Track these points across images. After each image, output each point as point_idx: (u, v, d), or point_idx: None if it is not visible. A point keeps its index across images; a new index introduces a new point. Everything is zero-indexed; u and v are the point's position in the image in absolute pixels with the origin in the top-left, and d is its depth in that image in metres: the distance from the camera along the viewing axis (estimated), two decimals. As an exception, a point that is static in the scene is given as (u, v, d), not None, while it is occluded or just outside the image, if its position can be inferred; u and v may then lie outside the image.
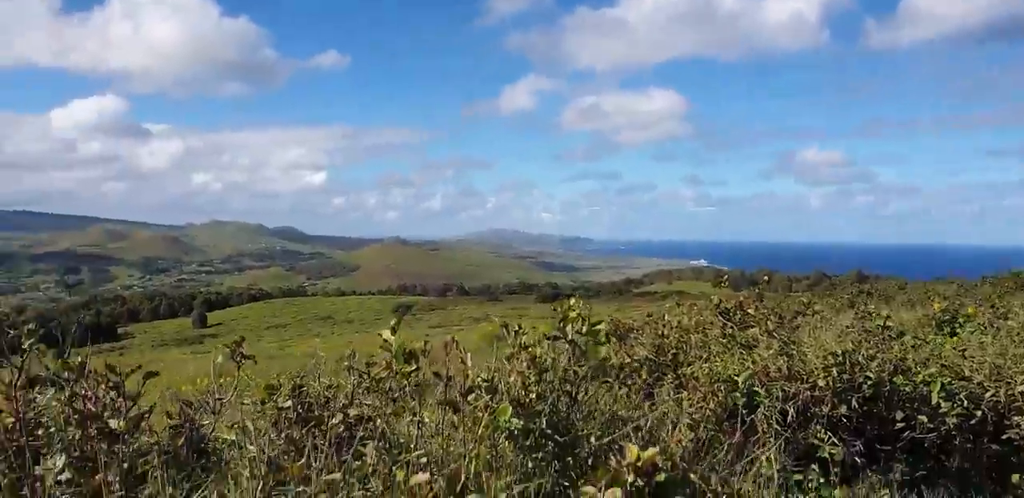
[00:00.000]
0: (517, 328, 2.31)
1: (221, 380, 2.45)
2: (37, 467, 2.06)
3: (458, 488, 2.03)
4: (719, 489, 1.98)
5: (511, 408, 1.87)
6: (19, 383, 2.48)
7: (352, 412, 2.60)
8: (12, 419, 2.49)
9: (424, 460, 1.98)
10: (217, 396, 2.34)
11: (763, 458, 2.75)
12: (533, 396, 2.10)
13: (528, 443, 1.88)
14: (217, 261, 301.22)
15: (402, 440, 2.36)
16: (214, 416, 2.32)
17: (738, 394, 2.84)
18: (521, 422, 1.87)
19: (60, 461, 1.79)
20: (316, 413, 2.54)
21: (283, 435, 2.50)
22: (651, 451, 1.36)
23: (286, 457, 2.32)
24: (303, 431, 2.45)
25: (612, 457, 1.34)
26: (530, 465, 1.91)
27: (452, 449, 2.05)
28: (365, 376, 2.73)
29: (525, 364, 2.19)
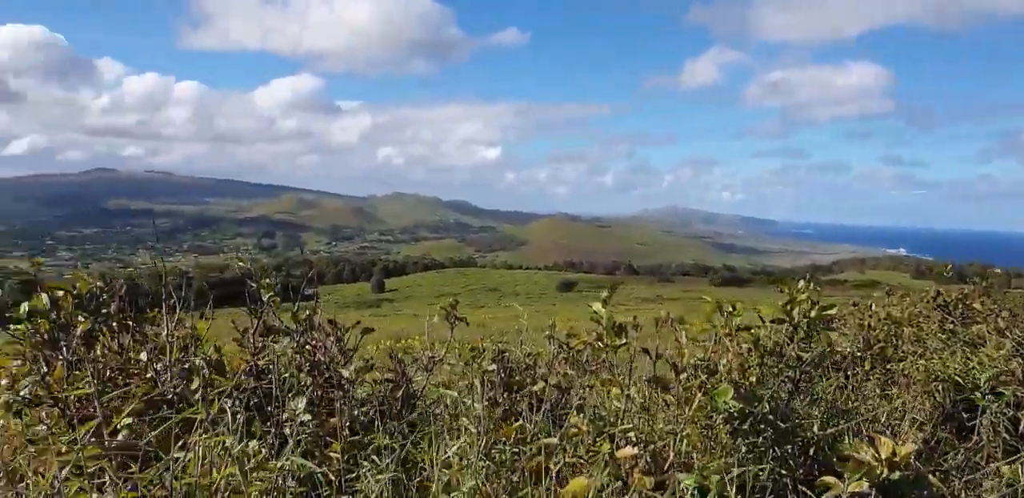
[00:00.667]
0: (731, 308, 2.24)
1: (433, 341, 2.62)
2: (273, 408, 2.33)
3: (666, 466, 2.04)
4: (961, 496, 1.82)
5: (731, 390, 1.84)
6: (257, 331, 2.81)
7: (552, 380, 2.69)
8: (247, 364, 2.85)
9: (631, 435, 2.00)
10: (430, 354, 2.51)
11: (1004, 469, 2.49)
12: (753, 379, 2.04)
13: (746, 427, 1.83)
14: (396, 231, 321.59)
15: (602, 413, 2.39)
16: (427, 373, 2.49)
17: (979, 395, 2.58)
18: (740, 405, 1.82)
19: (301, 404, 2.01)
20: (517, 378, 2.65)
21: (486, 397, 2.63)
22: (908, 447, 1.27)
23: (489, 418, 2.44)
24: (505, 395, 2.57)
25: (862, 449, 1.27)
26: (744, 450, 1.87)
27: (659, 427, 2.05)
28: (564, 347, 2.80)
29: (746, 346, 2.12)
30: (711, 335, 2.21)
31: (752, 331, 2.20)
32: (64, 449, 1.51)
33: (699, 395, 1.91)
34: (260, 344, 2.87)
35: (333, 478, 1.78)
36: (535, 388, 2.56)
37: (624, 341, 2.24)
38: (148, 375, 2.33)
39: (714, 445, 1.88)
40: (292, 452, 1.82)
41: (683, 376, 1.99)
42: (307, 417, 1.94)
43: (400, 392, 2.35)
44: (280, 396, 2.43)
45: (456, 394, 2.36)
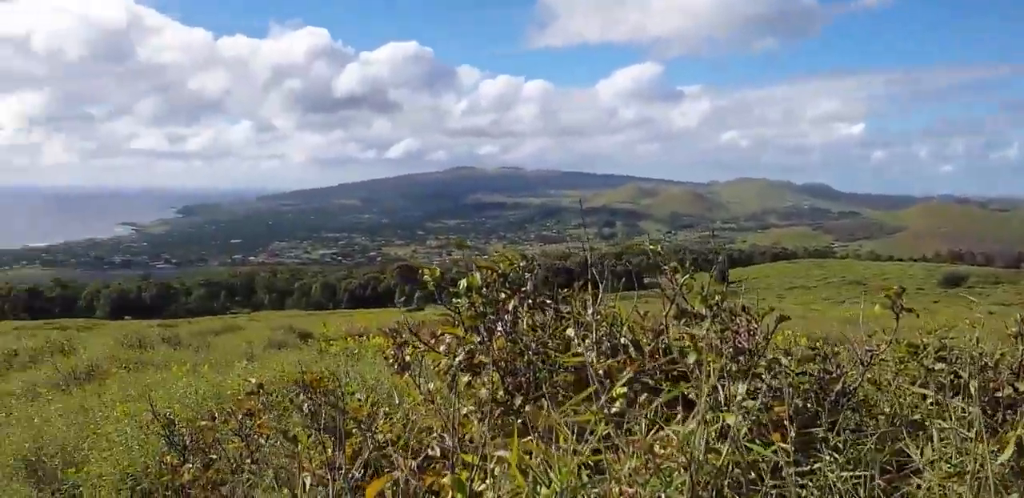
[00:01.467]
0: None
1: (872, 333, 2.43)
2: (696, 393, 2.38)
3: None
4: None
5: None
6: (669, 314, 2.90)
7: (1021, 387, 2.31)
8: (651, 346, 2.95)
9: None
10: (867, 348, 2.33)
11: None
12: None
13: None
14: (741, 218, 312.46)
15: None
16: (862, 367, 2.32)
17: None
18: None
19: (741, 389, 2.00)
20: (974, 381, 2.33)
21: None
22: None
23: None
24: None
25: None
26: None
27: None
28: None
29: None
30: None
31: None
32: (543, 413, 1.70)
33: None
34: (667, 326, 2.95)
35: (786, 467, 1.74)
36: (1001, 394, 2.23)
37: None
38: (579, 351, 2.54)
39: None
40: (736, 437, 1.82)
41: None
42: (750, 403, 1.93)
43: (837, 386, 2.22)
44: (697, 379, 2.46)
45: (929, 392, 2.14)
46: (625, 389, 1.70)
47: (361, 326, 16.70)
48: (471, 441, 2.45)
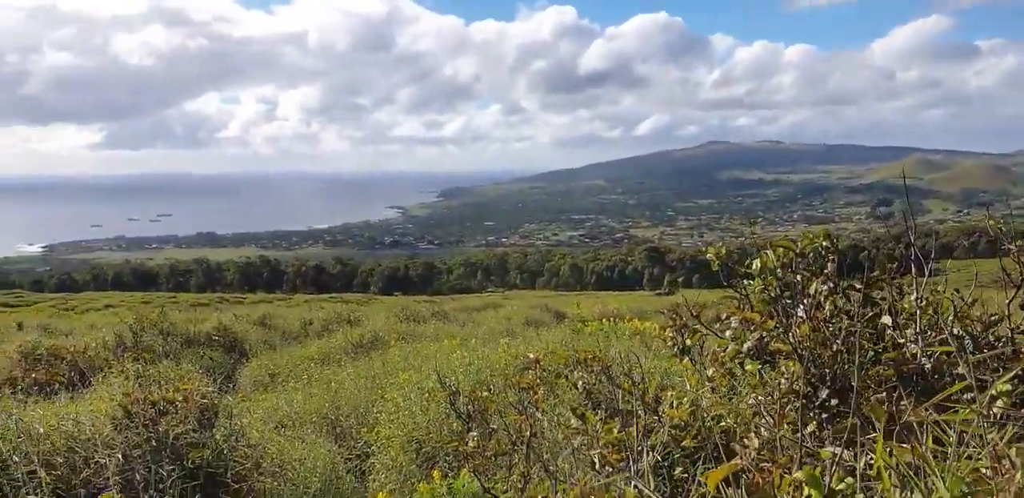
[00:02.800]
0: None
1: None
2: None
3: None
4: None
5: None
6: (1015, 301, 2.55)
7: None
8: (982, 339, 2.60)
9: None
10: None
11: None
12: None
13: None
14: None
15: None
16: None
17: None
18: None
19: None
20: None
21: None
22: None
23: None
24: None
25: None
26: None
27: None
28: None
29: None
30: None
31: None
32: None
33: None
34: (1009, 316, 2.59)
35: None
36: None
37: None
38: (899, 341, 2.32)
39: None
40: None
41: None
42: None
43: None
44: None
45: None
46: (1008, 386, 1.49)
47: (613, 308, 16.91)
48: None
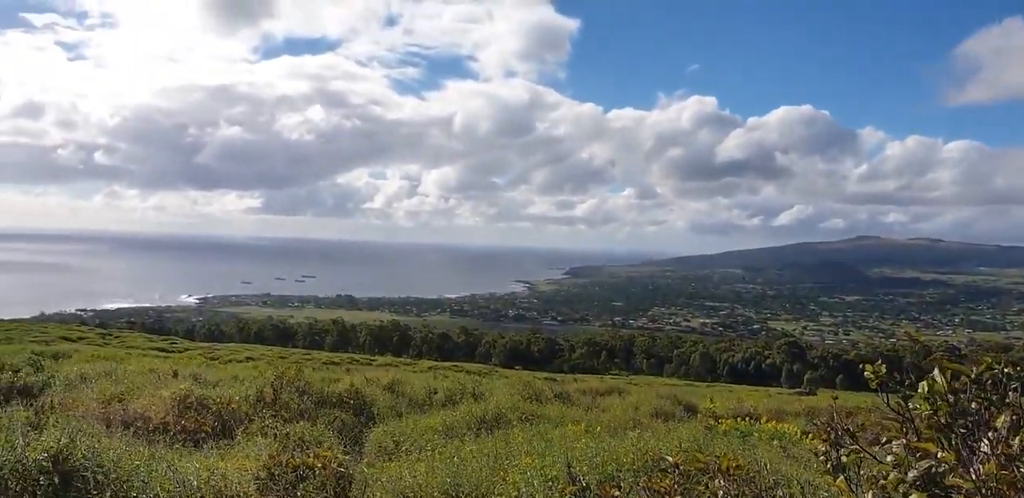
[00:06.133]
0: None
1: None
2: None
3: None
4: None
5: None
6: None
7: None
8: None
9: None
10: None
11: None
12: None
13: None
14: None
15: None
16: None
17: None
18: None
19: None
20: None
21: None
22: None
23: None
24: None
25: None
26: None
27: None
28: None
29: None
30: None
31: None
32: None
33: None
34: None
35: None
36: None
37: None
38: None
39: None
40: None
41: None
42: None
43: None
44: None
45: None
46: None
47: (750, 405, 16.12)
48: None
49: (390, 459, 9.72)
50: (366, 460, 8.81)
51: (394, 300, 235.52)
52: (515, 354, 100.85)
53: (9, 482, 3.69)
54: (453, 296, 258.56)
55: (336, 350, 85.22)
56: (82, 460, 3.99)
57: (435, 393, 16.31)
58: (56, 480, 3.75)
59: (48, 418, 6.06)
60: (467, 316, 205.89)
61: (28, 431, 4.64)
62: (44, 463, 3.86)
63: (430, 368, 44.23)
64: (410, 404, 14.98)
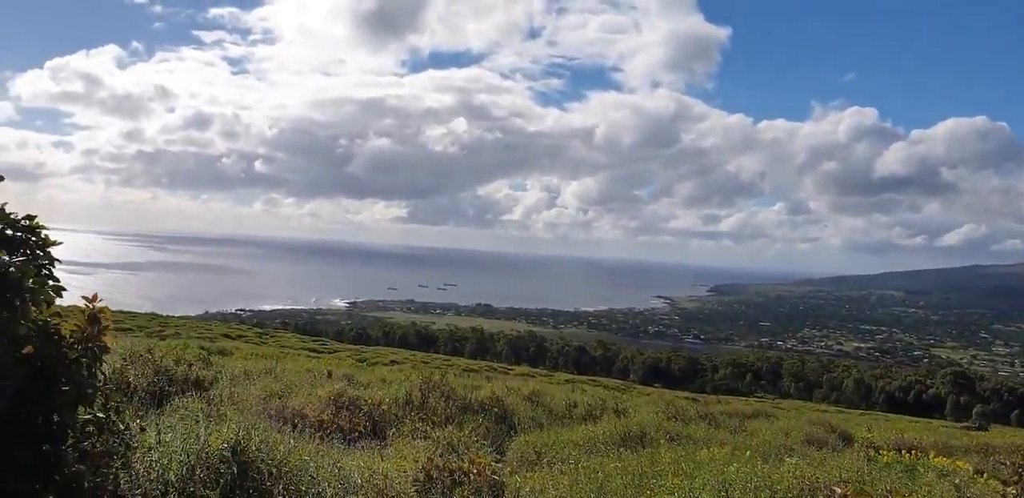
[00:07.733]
0: None
1: None
2: None
3: None
4: None
5: None
6: None
7: None
8: None
9: None
10: None
11: None
12: None
13: None
14: None
15: None
16: None
17: None
18: None
19: None
20: None
21: None
22: None
23: None
24: None
25: None
26: None
27: None
28: None
29: None
30: None
31: None
32: None
33: None
34: None
35: None
36: None
37: None
38: None
39: None
40: None
41: None
42: None
43: None
44: None
45: None
46: None
47: (912, 438, 14.95)
48: None
49: (531, 469, 9.74)
50: (508, 469, 8.87)
51: (531, 311, 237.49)
52: (654, 371, 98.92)
53: (196, 469, 3.97)
54: (591, 309, 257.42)
55: (475, 357, 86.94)
56: (256, 452, 4.25)
57: (575, 406, 16.21)
58: (235, 470, 4.00)
59: (223, 410, 6.51)
60: (604, 330, 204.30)
61: (208, 422, 5.00)
62: (224, 453, 4.13)
63: (568, 380, 44.14)
64: (550, 415, 14.97)
